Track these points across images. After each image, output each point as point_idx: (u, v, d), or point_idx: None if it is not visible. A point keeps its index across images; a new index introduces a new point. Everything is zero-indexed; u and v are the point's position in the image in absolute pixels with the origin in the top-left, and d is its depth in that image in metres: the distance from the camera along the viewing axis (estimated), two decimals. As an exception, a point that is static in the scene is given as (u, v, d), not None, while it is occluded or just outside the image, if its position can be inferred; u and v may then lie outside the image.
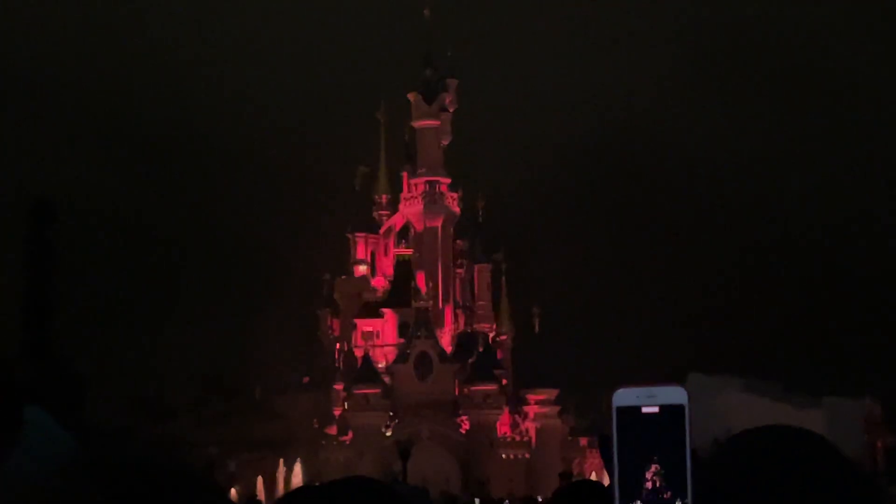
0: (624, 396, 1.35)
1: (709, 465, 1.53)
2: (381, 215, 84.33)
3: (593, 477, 56.33)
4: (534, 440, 75.25)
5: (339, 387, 76.99)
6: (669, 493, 1.31)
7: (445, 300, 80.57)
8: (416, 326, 75.79)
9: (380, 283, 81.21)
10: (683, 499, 1.32)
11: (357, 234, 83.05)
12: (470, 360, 75.41)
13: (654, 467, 1.32)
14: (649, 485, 1.32)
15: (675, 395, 1.34)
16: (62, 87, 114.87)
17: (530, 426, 75.86)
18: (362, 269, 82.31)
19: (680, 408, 1.34)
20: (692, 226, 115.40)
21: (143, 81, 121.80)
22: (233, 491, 60.51)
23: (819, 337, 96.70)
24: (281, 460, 71.53)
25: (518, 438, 75.15)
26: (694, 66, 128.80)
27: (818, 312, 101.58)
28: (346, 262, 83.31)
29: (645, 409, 1.34)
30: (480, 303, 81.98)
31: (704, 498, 1.35)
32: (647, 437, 1.33)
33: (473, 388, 73.91)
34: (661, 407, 1.34)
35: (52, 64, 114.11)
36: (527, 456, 74.37)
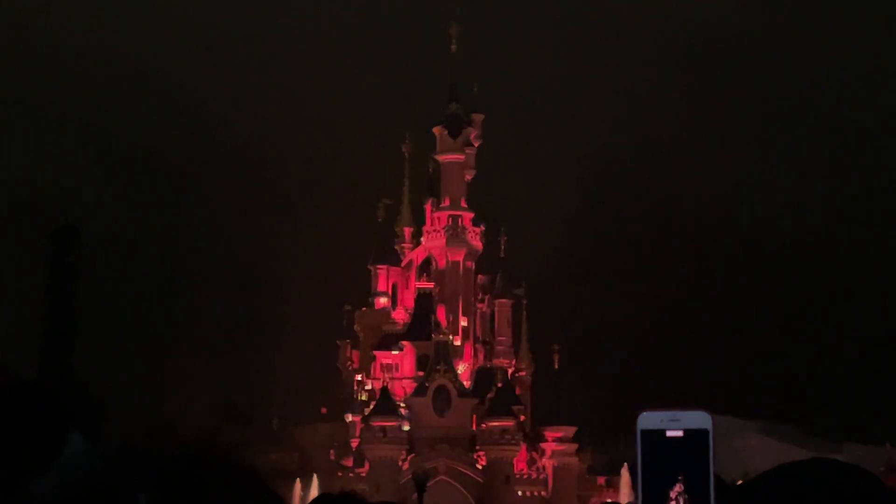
0: (649, 420, 1.39)
1: (742, 491, 1.54)
2: (403, 248, 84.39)
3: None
4: (550, 478, 74.81)
5: (356, 419, 76.85)
6: None
7: (465, 335, 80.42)
8: (436, 360, 75.66)
9: (400, 316, 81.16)
10: None
11: (379, 266, 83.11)
12: (488, 396, 75.16)
13: (678, 486, 1.35)
14: (673, 503, 1.35)
15: (699, 420, 1.37)
16: (85, 112, 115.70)
17: (547, 463, 75.45)
18: (383, 301, 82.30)
19: (704, 432, 1.36)
20: (715, 266, 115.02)
21: (166, 112, 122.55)
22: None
23: (840, 382, 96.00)
24: (298, 480, 71.02)
25: (535, 475, 74.74)
26: (722, 104, 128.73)
27: (840, 357, 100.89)
28: (367, 294, 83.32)
29: (669, 433, 1.37)
30: (500, 338, 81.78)
31: None
32: (671, 460, 1.35)
33: (491, 423, 73.63)
34: (686, 431, 1.36)
35: (72, 88, 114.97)
36: (543, 493, 73.94)
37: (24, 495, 2.03)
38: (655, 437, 1.36)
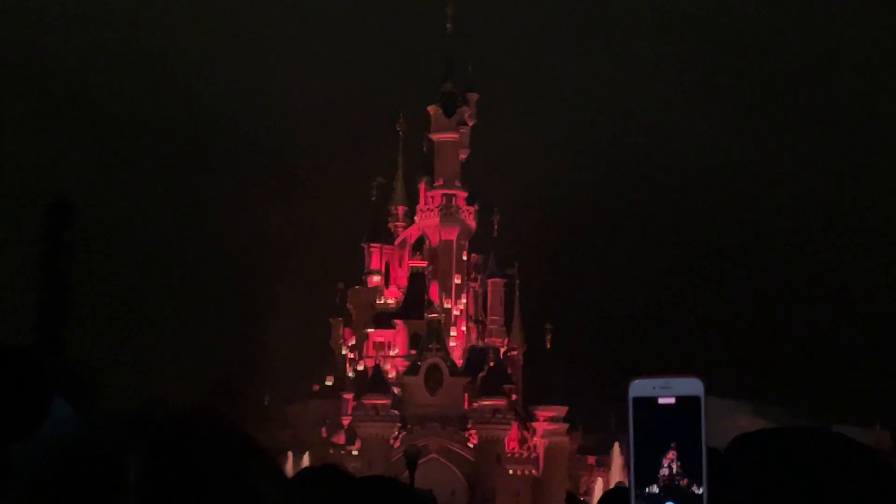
0: (640, 387, 1.37)
1: (726, 458, 1.55)
2: (396, 226, 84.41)
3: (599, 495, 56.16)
4: (541, 457, 75.08)
5: (348, 396, 77.01)
6: (686, 480, 1.34)
7: (458, 313, 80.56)
8: (428, 339, 75.78)
9: (393, 294, 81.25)
10: (699, 486, 1.34)
11: (372, 245, 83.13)
12: (480, 375, 75.33)
13: (671, 454, 1.34)
14: (666, 471, 1.34)
15: (691, 386, 1.36)
16: (83, 90, 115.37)
17: (538, 443, 75.70)
18: (376, 279, 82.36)
19: (696, 399, 1.36)
20: (707, 247, 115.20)
21: (161, 90, 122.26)
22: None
23: (831, 364, 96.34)
24: (290, 455, 71.10)
25: (526, 454, 74.99)
26: (715, 83, 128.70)
27: (830, 339, 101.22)
28: (360, 272, 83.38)
29: (661, 400, 1.36)
30: (493, 317, 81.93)
31: (721, 488, 1.41)
32: (664, 427, 1.35)
33: (483, 402, 73.82)
34: (678, 398, 1.36)
35: (70, 68, 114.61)
36: (534, 472, 74.22)
37: (5, 462, 2.05)
38: (647, 404, 1.36)
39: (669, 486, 1.34)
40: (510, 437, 74.98)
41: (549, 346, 79.21)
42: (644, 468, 1.35)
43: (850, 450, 1.60)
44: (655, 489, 1.35)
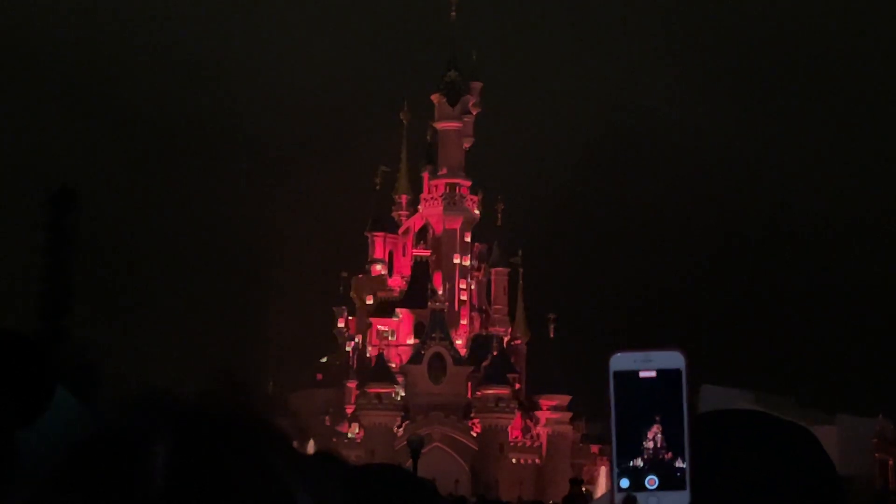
0: (621, 361, 1.36)
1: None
2: (400, 215, 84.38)
3: (602, 484, 56.23)
4: (545, 446, 75.14)
5: (352, 385, 77.09)
6: (670, 454, 1.33)
7: (461, 302, 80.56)
8: (432, 327, 75.81)
9: (396, 283, 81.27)
10: (682, 460, 1.33)
11: (375, 234, 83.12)
12: (484, 364, 75.38)
13: (655, 427, 1.33)
14: (650, 444, 1.33)
15: (672, 359, 1.35)
16: (90, 80, 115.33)
17: (542, 431, 75.77)
18: (379, 268, 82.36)
19: (677, 372, 1.34)
20: (712, 236, 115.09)
21: (166, 81, 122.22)
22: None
23: (835, 353, 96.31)
24: (294, 443, 71.27)
25: (529, 443, 75.06)
26: (720, 69, 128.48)
27: (835, 328, 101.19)
28: (364, 261, 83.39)
29: (642, 374, 1.35)
30: (496, 306, 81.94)
31: (702, 462, 1.41)
32: (645, 401, 1.34)
33: (486, 391, 73.87)
34: (659, 371, 1.35)
35: (72, 60, 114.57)
36: (537, 461, 74.29)
37: (10, 449, 2.04)
38: (628, 377, 1.35)
39: (653, 461, 1.33)
40: (513, 425, 75.05)
41: (552, 334, 79.23)
42: (626, 442, 1.34)
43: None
44: (639, 462, 1.34)
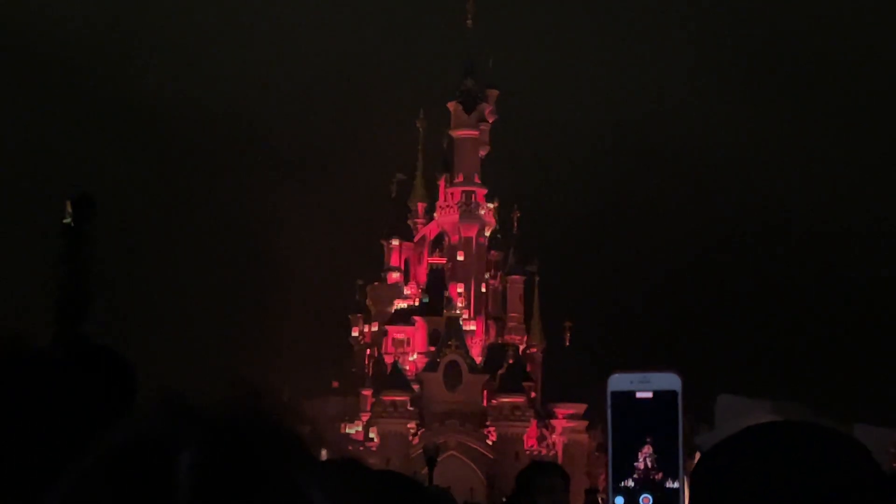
0: (619, 381, 1.38)
1: (711, 457, 1.56)
2: (416, 223, 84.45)
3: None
4: (560, 454, 74.99)
5: (367, 393, 77.12)
6: (661, 475, 1.35)
7: (477, 310, 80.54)
8: (447, 336, 75.82)
9: (412, 291, 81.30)
10: (674, 480, 1.35)
11: (391, 241, 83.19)
12: (499, 372, 75.33)
13: (646, 448, 1.35)
14: (641, 465, 1.35)
15: (668, 381, 1.37)
16: (100, 88, 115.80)
17: (557, 440, 75.66)
18: (395, 276, 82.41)
19: (673, 394, 1.37)
20: (730, 243, 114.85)
21: (184, 87, 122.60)
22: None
23: (854, 361, 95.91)
24: None
25: (544, 452, 74.92)
26: (733, 74, 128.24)
27: (855, 336, 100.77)
28: (380, 269, 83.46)
29: (639, 394, 1.37)
30: (512, 314, 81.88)
31: (702, 485, 1.43)
32: (641, 421, 1.36)
33: (502, 399, 73.82)
34: (655, 392, 1.37)
35: (83, 62, 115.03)
36: (553, 470, 74.18)
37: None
38: (625, 398, 1.37)
39: (644, 480, 1.35)
40: (529, 434, 74.97)
41: (567, 343, 79.15)
42: (621, 462, 1.36)
43: (827, 439, 1.61)
44: (631, 483, 1.36)
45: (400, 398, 73.44)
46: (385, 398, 73.64)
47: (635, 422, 1.37)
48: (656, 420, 1.36)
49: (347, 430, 76.62)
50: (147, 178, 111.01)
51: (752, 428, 1.62)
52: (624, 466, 1.36)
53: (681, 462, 1.35)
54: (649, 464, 1.35)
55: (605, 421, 1.35)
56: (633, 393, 1.38)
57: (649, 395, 1.37)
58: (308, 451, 0.91)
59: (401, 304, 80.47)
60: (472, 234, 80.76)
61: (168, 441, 0.89)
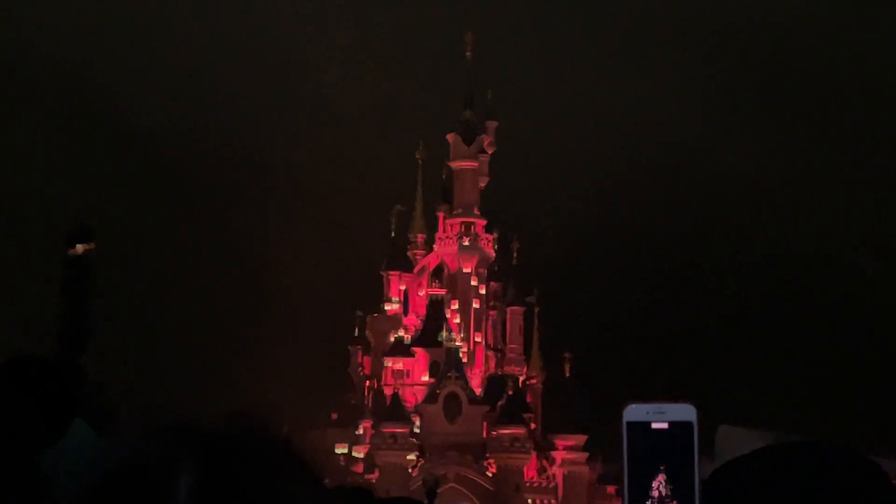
0: (634, 412, 1.42)
1: (724, 477, 1.56)
2: (415, 254, 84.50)
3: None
4: (561, 486, 74.75)
5: (367, 424, 76.92)
6: (675, 503, 1.37)
7: (477, 342, 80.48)
8: (447, 367, 75.71)
9: (412, 322, 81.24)
10: None
11: (391, 273, 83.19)
12: (499, 403, 75.19)
13: (661, 476, 1.37)
14: (656, 493, 1.37)
15: (684, 412, 1.39)
16: (101, 114, 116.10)
17: (558, 472, 75.42)
18: (395, 307, 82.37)
19: (689, 425, 1.39)
20: (732, 275, 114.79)
21: (174, 113, 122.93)
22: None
23: (858, 390, 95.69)
24: None
25: (545, 484, 74.69)
26: (740, 105, 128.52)
27: (860, 367, 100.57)
28: (379, 300, 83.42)
29: (655, 425, 1.40)
30: (512, 346, 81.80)
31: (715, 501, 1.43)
32: (656, 451, 1.38)
33: (502, 431, 73.63)
34: (671, 423, 1.39)
35: (86, 87, 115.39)
36: (553, 502, 73.90)
37: (36, 466, 2.06)
38: (641, 429, 1.40)
39: None
40: (529, 466, 74.74)
41: (568, 374, 79.01)
42: (636, 492, 1.38)
43: (843, 459, 1.60)
44: None
45: (400, 430, 73.25)
46: (385, 430, 73.45)
47: (650, 452, 1.38)
48: (671, 450, 1.36)
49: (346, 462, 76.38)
50: (147, 211, 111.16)
51: (768, 448, 1.61)
52: (639, 497, 1.38)
53: (697, 493, 1.35)
54: (664, 492, 1.36)
55: (620, 451, 1.40)
56: (648, 423, 1.40)
57: (665, 425, 1.38)
58: (312, 474, 1.00)
59: (400, 335, 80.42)
60: (472, 265, 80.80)
61: (168, 464, 0.88)
